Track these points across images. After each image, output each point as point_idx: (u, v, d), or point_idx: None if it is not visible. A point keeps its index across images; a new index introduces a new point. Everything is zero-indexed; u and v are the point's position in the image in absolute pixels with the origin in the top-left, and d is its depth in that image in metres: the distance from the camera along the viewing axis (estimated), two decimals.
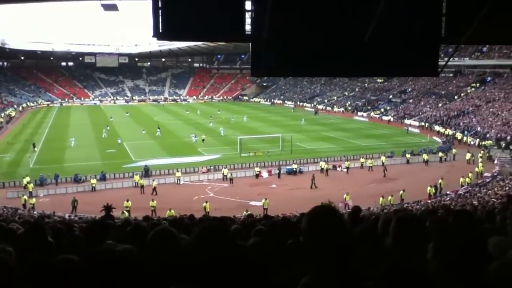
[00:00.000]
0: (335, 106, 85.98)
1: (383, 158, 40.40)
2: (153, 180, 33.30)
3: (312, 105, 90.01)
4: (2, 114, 71.73)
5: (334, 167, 38.92)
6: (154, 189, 31.94)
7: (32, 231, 3.51)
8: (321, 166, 37.48)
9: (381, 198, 27.91)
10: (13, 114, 75.39)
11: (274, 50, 7.91)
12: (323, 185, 33.56)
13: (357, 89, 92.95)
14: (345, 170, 37.98)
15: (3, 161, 41.35)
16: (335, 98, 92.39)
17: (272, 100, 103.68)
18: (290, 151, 43.58)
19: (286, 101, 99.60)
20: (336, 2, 7.83)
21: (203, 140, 48.31)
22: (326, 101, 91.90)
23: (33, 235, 3.46)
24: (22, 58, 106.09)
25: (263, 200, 27.70)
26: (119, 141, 48.91)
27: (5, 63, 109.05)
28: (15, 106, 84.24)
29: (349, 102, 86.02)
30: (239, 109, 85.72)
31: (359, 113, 76.89)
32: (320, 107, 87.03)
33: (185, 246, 2.44)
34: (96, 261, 2.39)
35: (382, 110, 75.42)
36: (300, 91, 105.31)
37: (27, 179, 32.62)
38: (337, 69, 9.24)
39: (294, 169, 37.60)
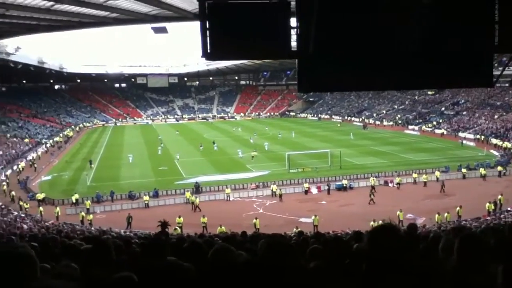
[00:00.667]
0: (384, 120, 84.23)
1: (437, 173, 38.97)
2: (196, 198, 33.78)
3: (360, 119, 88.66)
4: (61, 135, 75.70)
5: (386, 182, 37.99)
6: (197, 206, 32.47)
7: (98, 247, 3.64)
8: (371, 182, 36.69)
9: (436, 215, 26.82)
10: (70, 134, 79.34)
11: (320, 65, 7.89)
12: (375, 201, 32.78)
13: (407, 102, 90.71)
14: (397, 185, 36.96)
15: (62, 179, 43.47)
16: (384, 111, 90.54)
17: (319, 115, 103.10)
18: (339, 166, 42.99)
19: (333, 116, 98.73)
20: (383, 13, 7.74)
21: (252, 157, 48.59)
22: (374, 115, 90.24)
23: (98, 251, 3.58)
24: (79, 80, 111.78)
25: (313, 217, 27.39)
26: (177, 156, 50.35)
27: (63, 86, 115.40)
28: (72, 126, 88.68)
29: (399, 116, 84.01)
30: (286, 125, 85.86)
31: (410, 127, 74.85)
32: (369, 121, 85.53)
33: (245, 262, 2.46)
34: (162, 277, 2.45)
35: (434, 123, 73.03)
36: (347, 106, 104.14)
37: (76, 196, 34.42)
38: (386, 83, 9.07)
39: (344, 185, 37.01)
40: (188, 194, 34.50)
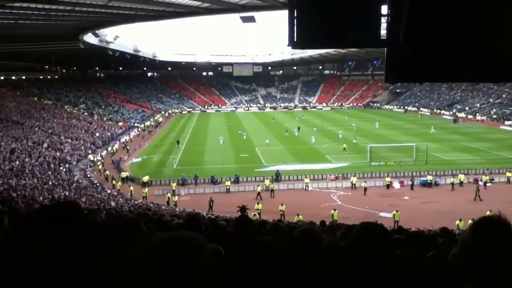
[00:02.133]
0: (477, 114, 78.61)
1: None
2: (258, 186, 34.07)
3: (451, 112, 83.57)
4: (152, 120, 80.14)
5: (475, 180, 35.63)
6: (259, 193, 32.84)
7: (190, 221, 3.90)
8: (460, 179, 34.65)
9: None
10: (160, 119, 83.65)
11: (411, 55, 7.61)
12: (460, 200, 30.99)
13: (504, 96, 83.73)
14: (483, 184, 34.43)
15: (152, 162, 46.14)
16: (478, 105, 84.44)
17: (406, 107, 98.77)
18: (425, 161, 41.05)
19: (421, 108, 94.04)
20: (481, 2, 7.25)
21: (344, 148, 47.79)
22: (467, 108, 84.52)
23: (191, 224, 3.84)
24: (169, 68, 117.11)
25: (394, 212, 26.54)
26: (267, 141, 52.35)
27: (155, 74, 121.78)
28: (162, 112, 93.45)
29: (494, 110, 77.90)
30: (369, 117, 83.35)
31: (507, 122, 69.18)
32: (461, 115, 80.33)
33: (330, 245, 2.49)
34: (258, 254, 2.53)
35: None
36: (437, 98, 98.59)
37: (147, 177, 36.30)
38: (484, 74, 8.51)
39: (429, 181, 35.33)
40: (267, 182, 34.99)
